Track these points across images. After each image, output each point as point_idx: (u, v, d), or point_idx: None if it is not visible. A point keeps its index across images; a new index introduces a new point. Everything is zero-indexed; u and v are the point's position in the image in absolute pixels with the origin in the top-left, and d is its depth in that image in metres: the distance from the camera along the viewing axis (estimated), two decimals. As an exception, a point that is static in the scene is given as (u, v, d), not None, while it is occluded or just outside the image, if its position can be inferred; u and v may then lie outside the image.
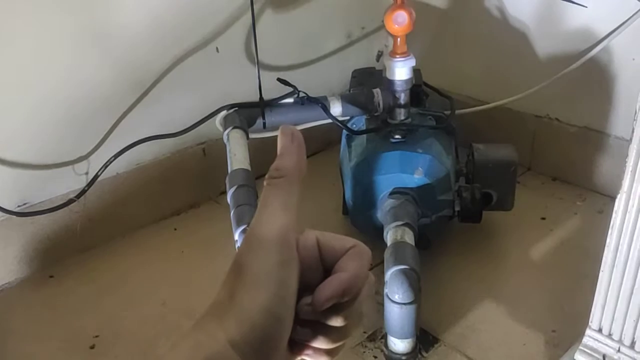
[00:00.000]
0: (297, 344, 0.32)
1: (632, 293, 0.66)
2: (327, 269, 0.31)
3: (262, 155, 1.19)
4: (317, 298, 0.30)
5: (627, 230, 0.64)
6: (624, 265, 0.66)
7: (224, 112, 1.08)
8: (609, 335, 0.70)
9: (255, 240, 0.29)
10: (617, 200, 0.64)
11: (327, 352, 0.33)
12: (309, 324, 0.31)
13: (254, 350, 0.28)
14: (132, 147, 1.16)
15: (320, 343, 0.32)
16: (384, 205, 1.04)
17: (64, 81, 1.12)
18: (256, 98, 1.09)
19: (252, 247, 0.29)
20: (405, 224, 0.97)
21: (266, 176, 0.31)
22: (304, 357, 0.33)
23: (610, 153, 1.30)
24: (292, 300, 0.30)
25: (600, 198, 1.31)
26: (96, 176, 1.16)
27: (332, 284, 0.30)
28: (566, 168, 1.40)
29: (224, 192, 1.40)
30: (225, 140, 1.02)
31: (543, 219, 1.28)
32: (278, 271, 0.29)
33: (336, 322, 0.31)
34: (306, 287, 0.31)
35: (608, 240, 0.66)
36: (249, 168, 0.94)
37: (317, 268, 0.32)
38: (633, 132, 0.61)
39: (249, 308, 0.28)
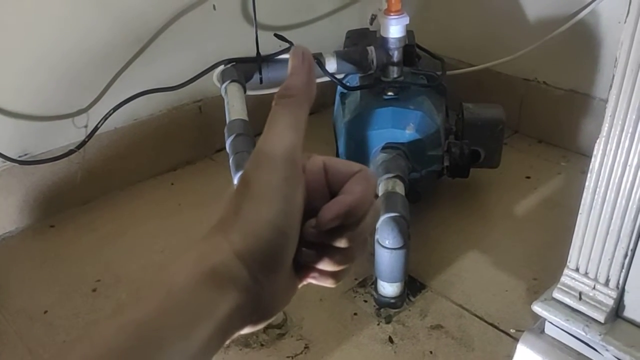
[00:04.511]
0: (303, 268, 0.32)
1: (607, 234, 0.71)
2: (333, 193, 0.32)
3: (258, 113, 1.23)
4: (321, 218, 0.30)
5: (604, 174, 0.68)
6: (601, 207, 0.70)
7: (221, 67, 1.10)
8: (586, 274, 0.75)
9: (262, 157, 0.29)
10: (596, 145, 0.68)
11: (332, 274, 0.33)
12: (314, 247, 0.32)
13: (258, 262, 0.28)
14: (131, 100, 1.19)
15: (326, 265, 0.32)
16: (376, 159, 1.08)
17: (64, 35, 1.14)
18: (251, 55, 1.11)
19: (258, 164, 0.29)
20: (396, 176, 1.01)
21: (275, 95, 0.31)
22: (309, 279, 0.33)
23: (595, 115, 1.34)
24: (298, 217, 0.30)
25: (584, 159, 1.36)
26: (95, 129, 1.18)
27: (337, 204, 0.30)
28: (552, 130, 1.44)
29: (219, 150, 1.45)
30: (223, 94, 1.05)
31: (528, 178, 1.33)
32: (284, 186, 0.29)
33: (341, 243, 0.31)
34: (312, 211, 0.31)
35: (587, 183, 0.71)
36: (247, 119, 0.97)
37: (323, 191, 0.32)
38: (613, 78, 0.65)
39: (254, 220, 0.28)
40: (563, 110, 1.41)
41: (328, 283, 0.33)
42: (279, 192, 0.29)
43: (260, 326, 0.31)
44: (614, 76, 0.64)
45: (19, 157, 1.14)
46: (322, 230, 0.30)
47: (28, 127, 1.15)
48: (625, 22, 0.61)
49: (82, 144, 1.18)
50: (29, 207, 1.19)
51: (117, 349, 0.25)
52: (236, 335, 0.29)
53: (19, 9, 1.07)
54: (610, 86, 0.65)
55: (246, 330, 0.30)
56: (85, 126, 1.22)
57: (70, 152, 1.16)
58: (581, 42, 1.31)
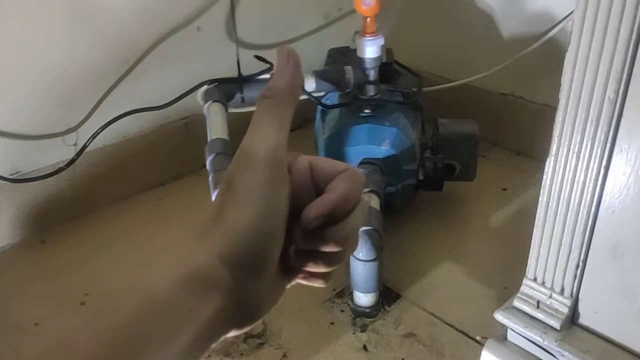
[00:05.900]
0: (292, 268, 0.32)
1: (560, 245, 0.75)
2: (319, 192, 0.31)
3: (241, 129, 1.27)
4: (304, 217, 0.30)
5: (555, 190, 0.73)
6: (553, 220, 0.75)
7: (204, 87, 1.15)
8: (542, 284, 0.79)
9: (245, 157, 0.29)
10: (546, 163, 0.73)
11: (322, 275, 0.33)
12: (303, 251, 0.31)
13: (241, 265, 0.28)
14: (118, 119, 1.24)
15: (315, 267, 0.32)
16: (353, 174, 1.13)
17: (54, 56, 1.19)
18: (235, 75, 1.16)
19: (241, 164, 0.29)
20: (372, 191, 1.06)
21: (258, 95, 0.31)
22: (298, 280, 0.33)
23: (568, 128, 1.39)
24: (282, 218, 0.29)
25: (558, 171, 1.40)
26: (84, 147, 1.23)
27: (320, 203, 0.30)
28: (529, 143, 1.49)
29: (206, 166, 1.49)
30: (205, 113, 1.09)
31: (504, 189, 1.37)
32: (266, 187, 0.28)
33: (331, 248, 0.31)
34: (299, 211, 0.30)
35: (540, 198, 0.75)
36: (227, 138, 1.02)
37: (310, 192, 0.31)
38: (559, 102, 0.70)
39: (236, 223, 0.28)
40: (538, 124, 1.45)
41: (318, 283, 0.33)
42: (262, 193, 0.28)
43: (247, 328, 0.31)
44: (559, 100, 0.69)
45: (10, 175, 1.19)
46: (307, 230, 0.30)
47: (19, 146, 1.19)
48: (567, 51, 0.66)
49: (72, 161, 1.22)
50: (21, 223, 1.24)
51: (94, 356, 0.24)
52: (222, 338, 0.29)
53: (7, 30, 1.12)
54: (557, 109, 0.70)
55: (232, 334, 0.30)
56: (75, 144, 1.26)
57: (60, 169, 1.21)
58: (553, 59, 1.36)
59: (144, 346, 0.25)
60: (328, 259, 0.32)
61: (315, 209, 0.30)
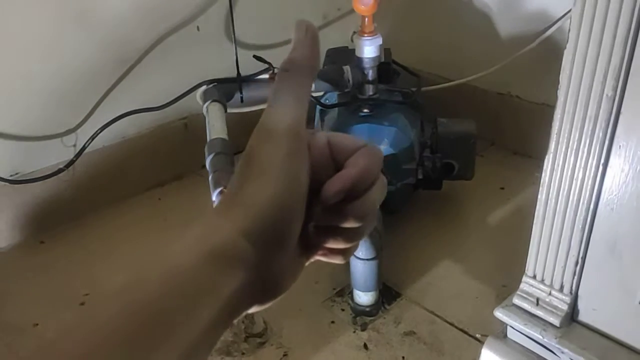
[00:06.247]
0: (311, 245, 0.32)
1: (559, 243, 0.76)
2: (338, 168, 0.31)
3: (240, 130, 1.27)
4: (325, 192, 0.30)
5: (554, 187, 0.73)
6: (552, 218, 0.75)
7: (203, 87, 1.15)
8: (542, 281, 0.79)
9: (265, 132, 0.29)
10: (545, 160, 0.73)
11: (341, 251, 0.33)
12: (323, 227, 0.32)
13: (263, 239, 0.28)
14: (118, 120, 1.24)
15: (335, 243, 0.32)
16: (353, 174, 1.13)
17: (53, 58, 1.19)
18: (234, 75, 1.17)
19: (261, 139, 0.29)
20: (371, 190, 1.06)
21: (278, 68, 0.31)
22: (318, 257, 0.33)
23: (565, 127, 1.39)
24: (302, 194, 0.30)
25: (556, 169, 1.40)
26: (83, 148, 1.23)
27: (340, 178, 0.30)
28: (526, 142, 1.50)
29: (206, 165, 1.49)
30: (204, 113, 1.09)
31: (502, 188, 1.38)
32: (287, 162, 0.28)
33: (350, 224, 0.31)
34: (318, 187, 0.30)
35: (539, 195, 0.76)
36: (227, 138, 1.02)
37: (328, 167, 0.31)
38: (557, 99, 0.70)
39: (257, 198, 0.28)
40: (536, 123, 1.45)
41: (337, 260, 0.33)
42: (282, 168, 0.28)
43: (268, 304, 0.31)
44: (558, 98, 0.69)
45: (10, 176, 1.19)
46: (327, 206, 0.30)
47: (18, 147, 1.19)
48: (565, 48, 0.67)
49: (71, 162, 1.22)
50: (20, 224, 1.24)
51: (120, 333, 0.23)
52: (244, 314, 0.29)
53: (4, 31, 1.12)
54: (555, 107, 0.70)
55: (253, 310, 0.30)
56: (74, 145, 1.26)
57: (59, 170, 1.21)
58: (550, 58, 1.37)
59: (170, 321, 0.25)
60: (348, 234, 0.32)
61: (336, 183, 0.30)
